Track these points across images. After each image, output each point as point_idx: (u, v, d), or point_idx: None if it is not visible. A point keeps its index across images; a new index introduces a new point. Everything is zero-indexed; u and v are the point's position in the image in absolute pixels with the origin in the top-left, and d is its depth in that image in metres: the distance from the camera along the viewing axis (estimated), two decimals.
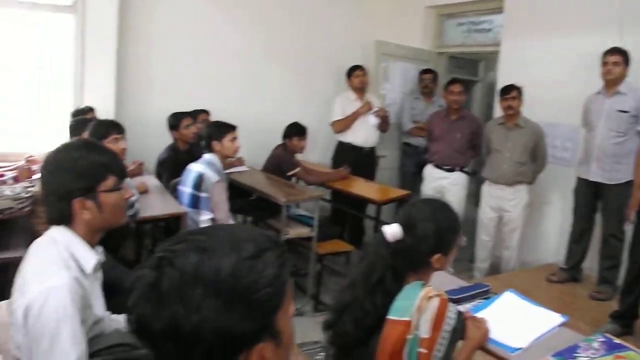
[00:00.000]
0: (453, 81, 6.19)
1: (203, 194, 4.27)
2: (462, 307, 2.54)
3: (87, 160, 1.91)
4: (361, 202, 6.07)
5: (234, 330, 0.93)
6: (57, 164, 1.92)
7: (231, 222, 4.44)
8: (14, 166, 5.12)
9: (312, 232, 5.05)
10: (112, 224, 2.00)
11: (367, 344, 2.06)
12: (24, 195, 4.06)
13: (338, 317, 2.16)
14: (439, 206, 2.20)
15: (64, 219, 1.92)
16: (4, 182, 4.50)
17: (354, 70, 6.72)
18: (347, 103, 6.69)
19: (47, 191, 1.94)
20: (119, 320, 2.29)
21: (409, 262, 2.11)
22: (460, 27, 7.67)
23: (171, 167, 5.22)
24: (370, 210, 6.33)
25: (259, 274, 0.97)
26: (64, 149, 1.98)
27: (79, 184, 1.89)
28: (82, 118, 5.00)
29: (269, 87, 7.11)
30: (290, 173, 5.74)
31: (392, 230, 2.09)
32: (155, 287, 0.94)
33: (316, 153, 7.10)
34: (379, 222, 5.52)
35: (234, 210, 4.57)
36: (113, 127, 4.09)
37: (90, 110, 5.52)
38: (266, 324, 0.98)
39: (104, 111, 5.79)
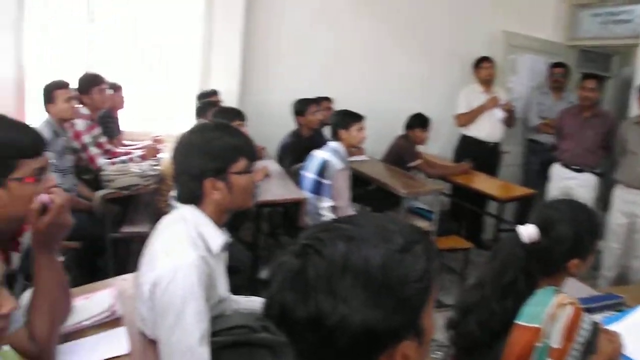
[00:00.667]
0: (588, 76, 5.84)
1: (326, 181, 4.25)
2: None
3: (221, 142, 1.91)
4: (482, 199, 5.88)
5: (380, 326, 0.88)
6: (190, 145, 1.93)
7: (351, 210, 4.41)
8: (141, 145, 5.32)
9: (431, 227, 4.93)
10: (241, 205, 2.00)
11: (491, 347, 1.96)
12: (149, 173, 4.20)
13: (462, 316, 2.07)
14: (578, 208, 2.04)
15: (195, 198, 1.94)
16: (131, 160, 4.67)
17: (482, 62, 6.50)
18: (473, 96, 6.48)
19: (179, 171, 1.96)
20: (239, 301, 2.31)
21: (544, 265, 1.98)
22: (596, 18, 7.20)
23: (294, 152, 5.24)
24: (491, 207, 6.13)
25: (408, 267, 0.91)
26: (197, 130, 2.00)
27: (211, 165, 1.89)
28: (208, 101, 5.12)
29: (392, 77, 7.00)
30: (411, 164, 5.63)
31: (528, 231, 1.96)
32: (300, 275, 0.90)
33: (437, 145, 6.92)
34: (500, 221, 5.32)
35: (353, 199, 4.53)
36: (235, 115, 4.15)
37: (214, 93, 5.64)
38: (412, 320, 0.93)
39: (229, 94, 5.88)
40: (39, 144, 1.75)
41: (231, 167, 1.91)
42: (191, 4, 6.11)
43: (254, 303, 2.35)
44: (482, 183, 5.70)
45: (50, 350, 1.78)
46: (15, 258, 1.90)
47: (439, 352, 2.61)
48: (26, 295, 1.89)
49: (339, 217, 1.15)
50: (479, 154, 6.30)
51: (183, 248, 1.84)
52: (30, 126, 1.80)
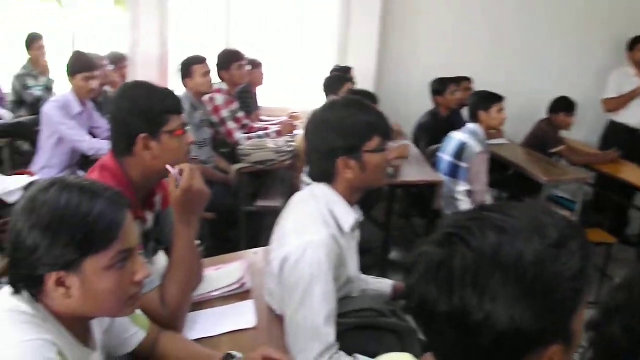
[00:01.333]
0: None
1: (463, 164, 4.10)
2: None
3: (354, 120, 1.85)
4: (629, 190, 5.47)
5: (527, 327, 0.80)
6: (323, 122, 1.88)
7: (488, 196, 4.24)
8: (278, 121, 5.38)
9: (573, 218, 4.63)
10: (373, 184, 1.93)
11: (636, 354, 1.78)
12: (285, 149, 4.23)
13: (606, 318, 1.90)
14: None
15: (327, 176, 1.89)
16: (267, 135, 4.73)
17: (638, 43, 6.00)
18: (625, 79, 5.99)
19: (312, 148, 1.92)
20: (368, 282, 2.27)
21: None
22: None
23: (430, 132, 5.12)
24: (639, 200, 5.70)
25: (563, 265, 0.82)
26: (330, 107, 1.95)
27: (344, 143, 1.83)
28: (336, 75, 5.05)
29: (534, 57, 6.61)
30: (553, 150, 5.33)
31: None
32: (444, 266, 0.83)
33: (581, 132, 6.48)
34: None
35: (490, 184, 4.35)
36: (367, 97, 4.07)
37: (348, 70, 5.58)
38: (563, 323, 0.85)
39: (365, 73, 5.82)
40: (180, 103, 2.02)
41: (365, 145, 1.85)
42: None
43: (383, 285, 2.30)
44: (631, 173, 5.29)
45: (180, 316, 1.86)
46: (150, 217, 2.04)
47: (574, 353, 2.43)
48: (159, 259, 1.96)
49: (487, 204, 1.06)
50: (628, 142, 5.83)
51: (314, 226, 1.80)
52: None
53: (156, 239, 2.09)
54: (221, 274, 2.23)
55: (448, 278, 0.82)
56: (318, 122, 1.90)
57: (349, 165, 1.85)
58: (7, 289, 1.27)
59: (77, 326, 1.33)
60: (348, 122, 1.84)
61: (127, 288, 1.29)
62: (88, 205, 1.21)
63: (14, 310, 1.23)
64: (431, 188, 4.17)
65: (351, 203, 1.92)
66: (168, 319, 1.80)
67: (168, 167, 1.82)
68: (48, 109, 4.02)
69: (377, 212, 4.46)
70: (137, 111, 1.91)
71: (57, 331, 1.27)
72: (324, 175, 1.90)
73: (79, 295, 1.23)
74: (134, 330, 1.63)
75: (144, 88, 1.99)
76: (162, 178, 2.01)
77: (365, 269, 2.26)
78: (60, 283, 1.22)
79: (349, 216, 1.90)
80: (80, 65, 4.13)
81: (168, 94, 2.01)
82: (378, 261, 3.67)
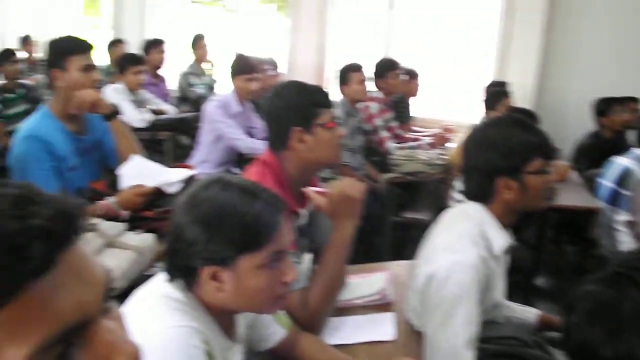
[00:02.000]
0: None
1: (625, 192, 3.83)
2: None
3: (517, 139, 1.78)
4: None
5: None
6: (484, 140, 1.83)
7: None
8: (431, 132, 5.32)
9: None
10: (531, 207, 1.85)
11: None
12: (436, 161, 4.17)
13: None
14: None
15: (483, 196, 1.83)
16: (419, 147, 4.68)
17: None
18: None
19: (470, 166, 1.87)
20: (514, 309, 2.18)
21: None
22: None
23: (591, 155, 4.84)
24: None
25: None
26: (492, 125, 1.89)
27: (506, 163, 1.77)
28: (496, 90, 4.92)
29: None
30: None
31: None
32: (612, 309, 0.77)
33: None
34: None
35: None
36: (529, 116, 3.91)
37: (504, 84, 5.42)
38: None
39: (523, 88, 5.63)
40: (329, 98, 2.13)
41: (527, 166, 1.77)
42: None
43: (529, 314, 2.19)
44: None
45: (319, 320, 1.90)
46: (304, 214, 2.11)
47: None
48: (306, 259, 1.99)
49: None
50: None
51: (463, 245, 1.75)
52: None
53: (309, 238, 2.14)
54: (363, 282, 2.23)
55: (616, 322, 0.76)
56: (479, 140, 1.85)
57: (509, 186, 1.78)
58: (163, 276, 1.33)
59: (224, 318, 1.38)
60: (511, 141, 1.77)
61: (277, 287, 1.33)
62: (247, 205, 1.26)
63: (166, 296, 1.30)
64: (588, 215, 3.94)
65: (505, 225, 1.85)
66: (307, 320, 1.83)
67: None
68: (209, 107, 4.20)
69: (527, 234, 4.29)
70: (290, 106, 2.04)
71: (205, 321, 1.32)
72: (480, 194, 1.84)
73: (230, 290, 1.28)
74: (276, 328, 1.66)
75: (294, 85, 2.15)
76: (317, 172, 2.20)
77: (511, 293, 2.17)
78: (214, 277, 1.27)
79: (501, 239, 1.82)
80: (242, 67, 4.29)
81: (317, 89, 2.13)
82: (525, 285, 3.52)
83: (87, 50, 2.69)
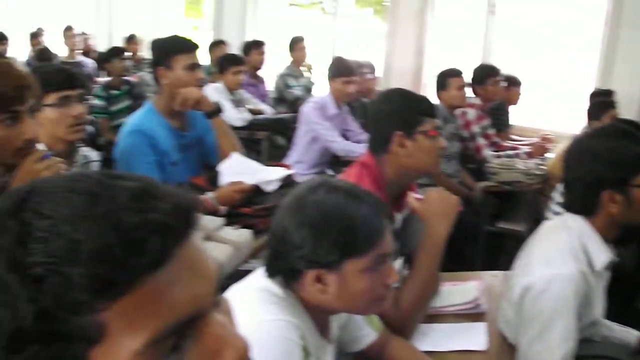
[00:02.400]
0: None
1: None
2: None
3: (625, 151, 1.71)
4: None
5: None
6: (589, 151, 1.77)
7: None
8: (529, 142, 5.19)
9: None
10: (637, 222, 1.78)
11: None
12: (535, 171, 4.07)
13: None
14: None
15: (586, 208, 1.77)
16: (517, 156, 4.58)
17: None
18: None
19: (572, 177, 1.82)
20: (612, 329, 2.10)
21: None
22: None
23: None
24: None
25: None
26: (598, 135, 1.83)
27: (612, 175, 1.70)
28: (601, 100, 4.73)
29: None
30: None
31: None
32: None
33: None
34: None
35: None
36: (636, 128, 3.74)
37: (611, 93, 5.20)
38: None
39: (629, 97, 5.38)
40: (434, 108, 2.18)
41: (634, 179, 1.70)
42: (596, 2, 5.73)
43: (629, 335, 2.10)
44: None
45: (410, 323, 1.89)
46: (399, 218, 2.16)
47: None
48: (397, 263, 2.00)
49: None
50: None
51: (563, 259, 1.70)
52: None
53: (401, 242, 2.14)
54: (456, 290, 2.20)
55: None
56: (583, 151, 1.79)
57: (615, 199, 1.71)
58: (262, 270, 1.36)
59: (320, 317, 1.40)
60: (618, 153, 1.71)
61: (378, 290, 1.34)
62: (354, 209, 1.28)
63: (266, 290, 1.33)
64: None
65: (607, 240, 1.78)
66: (397, 323, 1.82)
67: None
68: (307, 109, 4.27)
69: (629, 250, 4.11)
70: (394, 110, 2.09)
71: (302, 318, 1.34)
72: (583, 206, 1.78)
73: (334, 293, 1.30)
74: (368, 330, 1.67)
75: (401, 91, 2.23)
76: (414, 179, 2.25)
77: (610, 312, 2.10)
78: (318, 279, 1.29)
79: (603, 254, 1.76)
80: (340, 69, 4.33)
81: (424, 98, 2.22)
82: (623, 304, 3.37)
83: (193, 50, 2.78)
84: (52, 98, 2.17)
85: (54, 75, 2.21)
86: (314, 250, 1.25)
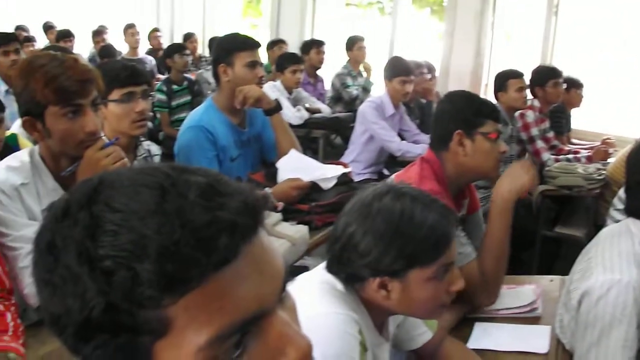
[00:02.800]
0: None
1: None
2: None
3: None
4: None
5: None
6: None
7: None
8: (590, 145, 5.08)
9: None
10: None
11: None
12: (595, 176, 3.98)
13: None
14: None
15: None
16: (577, 160, 4.49)
17: None
18: None
19: (635, 182, 1.78)
20: None
21: None
22: None
23: None
24: None
25: None
26: None
27: None
28: None
29: None
30: None
31: None
32: None
33: None
34: None
35: None
36: None
37: None
38: None
39: None
40: (497, 112, 2.23)
41: None
42: None
43: None
44: None
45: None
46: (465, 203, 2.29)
47: None
48: None
49: None
50: None
51: (624, 264, 1.67)
52: None
53: None
54: (513, 293, 2.18)
55: None
56: None
57: None
58: (323, 264, 1.38)
59: (379, 316, 1.42)
60: None
61: (442, 297, 1.34)
62: (421, 218, 1.27)
63: (326, 282, 1.34)
64: None
65: None
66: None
67: None
68: (364, 108, 4.29)
69: None
70: (457, 109, 2.16)
71: (361, 314, 1.34)
72: None
73: (396, 299, 1.31)
74: (423, 330, 1.67)
75: (466, 93, 2.31)
76: (472, 180, 2.30)
77: None
78: (382, 286, 1.30)
79: None
80: (398, 69, 4.33)
81: (488, 101, 2.28)
82: None
83: (254, 48, 2.82)
84: (116, 94, 2.23)
85: (119, 72, 2.26)
86: (379, 259, 1.26)
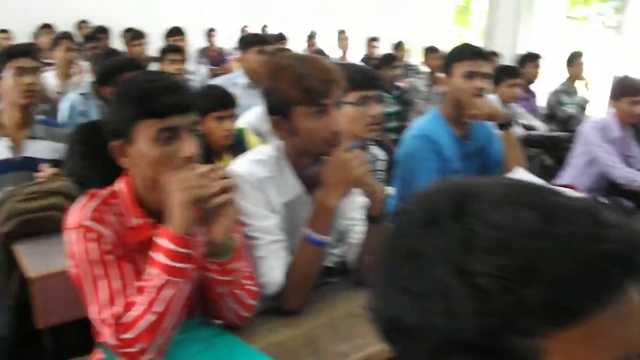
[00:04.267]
0: None
1: None
2: None
3: None
4: None
5: None
6: None
7: None
8: None
9: None
10: None
11: None
12: None
13: None
14: None
15: None
16: None
17: None
18: None
19: None
20: None
21: None
22: None
23: None
24: None
25: None
26: None
27: None
28: None
29: None
30: None
31: None
32: None
33: None
34: None
35: None
36: None
37: None
38: None
39: None
40: None
41: None
42: None
43: None
44: None
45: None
46: None
47: None
48: None
49: None
50: None
51: None
52: None
53: None
54: None
55: None
56: None
57: None
58: None
59: None
60: None
61: None
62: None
63: None
64: None
65: None
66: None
67: None
68: (586, 128, 4.04)
69: None
70: None
71: None
72: None
73: None
74: None
75: None
76: None
77: None
78: None
79: None
80: (627, 88, 4.03)
81: None
82: None
83: (472, 57, 2.70)
84: (353, 96, 2.27)
85: (355, 75, 2.29)
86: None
